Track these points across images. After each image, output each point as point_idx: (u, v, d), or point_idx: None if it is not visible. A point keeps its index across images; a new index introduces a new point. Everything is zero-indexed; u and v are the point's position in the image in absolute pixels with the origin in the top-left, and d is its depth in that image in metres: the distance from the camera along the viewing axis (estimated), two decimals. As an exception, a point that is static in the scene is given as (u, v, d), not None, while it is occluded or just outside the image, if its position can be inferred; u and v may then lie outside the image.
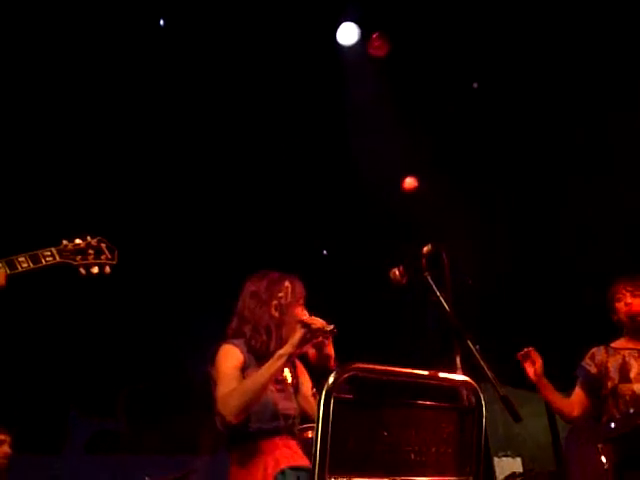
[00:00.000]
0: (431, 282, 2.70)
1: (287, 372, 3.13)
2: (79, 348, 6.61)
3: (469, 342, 2.50)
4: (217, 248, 6.64)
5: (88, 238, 3.25)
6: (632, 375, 3.97)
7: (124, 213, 6.00)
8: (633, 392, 3.92)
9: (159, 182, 6.27)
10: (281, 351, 2.86)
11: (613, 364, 4.04)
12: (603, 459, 3.62)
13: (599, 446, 3.65)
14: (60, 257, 3.13)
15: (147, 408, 7.32)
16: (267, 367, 2.84)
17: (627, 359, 4.03)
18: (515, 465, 8.20)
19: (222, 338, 3.10)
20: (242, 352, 3.01)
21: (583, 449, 3.85)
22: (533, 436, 7.00)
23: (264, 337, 3.02)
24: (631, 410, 3.84)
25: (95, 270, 3.21)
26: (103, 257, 3.24)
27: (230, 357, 2.98)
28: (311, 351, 3.02)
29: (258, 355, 3.00)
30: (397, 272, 2.88)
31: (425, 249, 2.79)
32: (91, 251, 3.22)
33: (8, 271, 2.97)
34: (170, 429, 7.10)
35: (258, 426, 2.91)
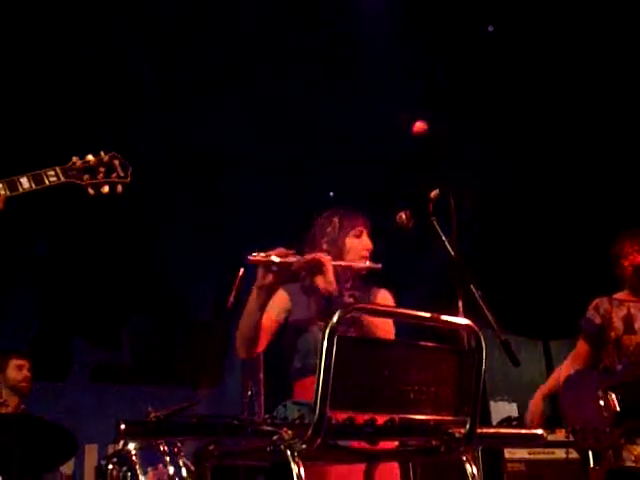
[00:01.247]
0: (437, 227, 2.71)
1: None
2: (86, 278, 6.68)
3: (472, 287, 2.53)
4: (229, 186, 6.62)
5: (102, 154, 3.02)
6: (637, 327, 3.99)
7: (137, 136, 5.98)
8: (638, 344, 3.95)
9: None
10: (254, 285, 2.86)
11: (618, 314, 4.06)
12: (602, 405, 3.67)
13: (599, 393, 3.70)
14: (65, 177, 2.89)
15: (151, 341, 7.43)
16: (247, 302, 2.87)
17: (632, 311, 4.06)
18: (511, 410, 8.35)
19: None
20: (289, 294, 3.04)
21: (581, 395, 3.88)
22: (530, 382, 7.09)
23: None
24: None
25: (106, 189, 2.97)
26: (114, 175, 2.99)
27: (272, 300, 2.97)
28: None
29: (307, 293, 3.02)
30: (404, 216, 2.89)
31: (433, 194, 2.79)
32: (102, 169, 2.97)
33: (8, 193, 2.78)
34: (173, 362, 7.21)
35: (296, 358, 2.97)
